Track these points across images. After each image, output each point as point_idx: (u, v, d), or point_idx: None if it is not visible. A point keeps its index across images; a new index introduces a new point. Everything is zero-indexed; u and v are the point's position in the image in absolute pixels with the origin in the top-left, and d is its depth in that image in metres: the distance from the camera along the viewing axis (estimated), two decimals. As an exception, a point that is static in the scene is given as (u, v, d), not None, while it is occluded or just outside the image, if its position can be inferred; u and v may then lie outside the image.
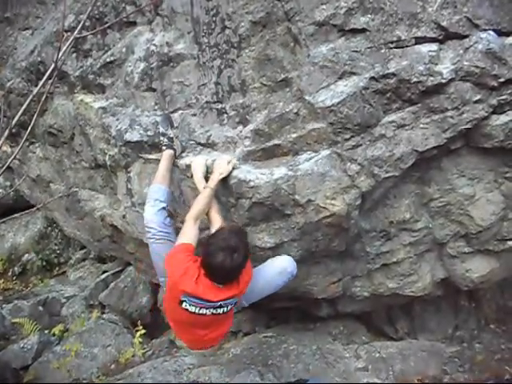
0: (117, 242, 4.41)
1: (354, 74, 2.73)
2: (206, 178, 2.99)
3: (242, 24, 2.91)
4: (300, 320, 4.38)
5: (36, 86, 3.57)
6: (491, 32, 2.58)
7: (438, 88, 2.64)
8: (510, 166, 2.99)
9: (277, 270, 2.95)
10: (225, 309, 2.65)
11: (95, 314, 5.23)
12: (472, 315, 4.23)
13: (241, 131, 3.10)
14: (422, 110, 2.73)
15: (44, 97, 2.41)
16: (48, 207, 5.02)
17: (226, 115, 3.16)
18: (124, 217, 3.80)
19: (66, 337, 4.94)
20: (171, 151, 3.15)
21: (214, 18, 3.01)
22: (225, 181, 2.95)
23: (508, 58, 2.55)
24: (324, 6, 2.71)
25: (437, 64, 2.62)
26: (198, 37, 3.11)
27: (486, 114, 2.69)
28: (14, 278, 6.91)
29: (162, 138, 3.18)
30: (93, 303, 5.61)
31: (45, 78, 2.19)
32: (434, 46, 2.64)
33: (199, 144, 3.22)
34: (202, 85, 3.19)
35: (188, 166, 3.14)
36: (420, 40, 2.64)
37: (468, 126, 2.72)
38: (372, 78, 2.67)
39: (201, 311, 2.58)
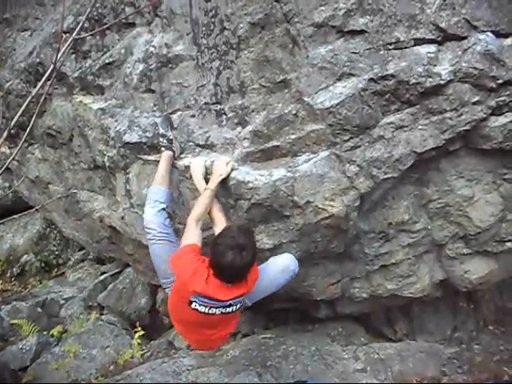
0: (115, 243, 4.40)
1: (352, 75, 2.74)
2: (206, 180, 2.99)
3: (241, 25, 2.92)
4: (299, 321, 4.38)
5: (35, 87, 3.57)
6: (489, 33, 2.58)
7: (436, 89, 2.64)
8: (509, 167, 2.99)
9: (279, 268, 2.94)
10: (234, 307, 2.65)
11: (94, 315, 5.22)
12: (471, 316, 4.24)
13: (240, 132, 3.10)
14: (421, 111, 2.74)
15: (43, 98, 2.41)
16: (47, 208, 5.01)
17: (224, 116, 3.16)
18: (123, 218, 3.80)
19: (64, 338, 4.93)
20: (170, 152, 3.15)
21: (212, 20, 3.02)
22: (224, 182, 2.95)
23: (506, 60, 2.56)
24: (323, 8, 2.71)
25: (435, 65, 2.62)
26: (196, 38, 3.11)
27: (485, 116, 2.70)
28: (13, 279, 6.90)
29: (161, 139, 3.17)
30: (91, 304, 5.61)
31: (44, 79, 2.19)
32: (432, 48, 2.64)
33: (198, 145, 3.22)
34: (201, 86, 3.19)
35: (187, 167, 3.14)
36: (419, 41, 2.65)
37: (466, 128, 2.73)
38: (371, 80, 2.67)
39: (210, 311, 2.58)
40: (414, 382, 3.58)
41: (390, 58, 2.67)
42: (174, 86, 3.27)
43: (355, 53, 2.72)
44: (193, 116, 3.26)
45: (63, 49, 2.22)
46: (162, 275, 3.04)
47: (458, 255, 3.38)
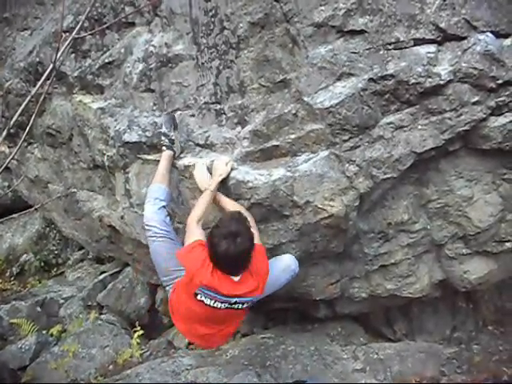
0: (115, 242, 4.40)
1: (352, 75, 2.74)
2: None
3: (241, 25, 2.92)
4: (298, 321, 4.38)
5: (34, 86, 3.57)
6: (489, 34, 2.58)
7: (436, 89, 2.64)
8: (508, 167, 2.99)
9: (281, 268, 2.95)
10: (240, 305, 2.64)
11: (93, 314, 5.22)
12: (470, 316, 4.23)
13: (239, 132, 3.10)
14: (421, 111, 2.74)
15: (42, 97, 2.42)
16: (46, 208, 5.01)
17: (224, 116, 3.16)
18: (122, 217, 3.80)
19: (63, 337, 4.93)
20: (171, 152, 3.15)
21: (212, 19, 3.02)
22: (223, 182, 2.95)
23: (506, 60, 2.56)
24: (323, 8, 2.71)
25: (435, 65, 2.62)
26: (196, 38, 3.11)
27: (484, 116, 2.70)
28: (12, 278, 6.90)
29: (163, 138, 3.15)
30: (91, 304, 5.60)
31: (43, 78, 2.19)
32: (432, 48, 2.64)
33: (197, 145, 3.22)
34: (201, 85, 3.19)
35: (186, 167, 3.14)
36: (418, 41, 2.65)
37: (466, 128, 2.73)
38: (370, 80, 2.68)
39: (215, 304, 2.57)
40: (413, 382, 3.58)
41: (390, 58, 2.67)
42: (173, 86, 3.27)
43: (355, 53, 2.72)
44: (192, 115, 3.26)
45: (63, 48, 2.22)
46: (162, 273, 3.03)
47: (458, 255, 3.38)
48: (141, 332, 4.61)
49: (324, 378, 3.58)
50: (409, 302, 3.80)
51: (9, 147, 4.65)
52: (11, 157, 2.66)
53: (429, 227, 3.29)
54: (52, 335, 4.98)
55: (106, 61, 3.50)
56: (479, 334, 4.15)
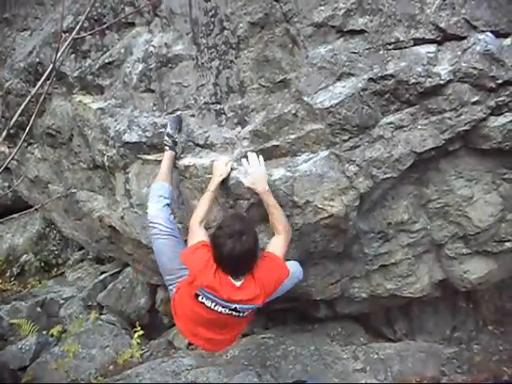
0: (115, 242, 4.40)
1: (352, 75, 2.74)
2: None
3: (241, 25, 2.92)
4: (298, 321, 4.38)
5: (34, 86, 3.57)
6: (489, 33, 2.57)
7: (436, 89, 2.64)
8: (508, 167, 2.99)
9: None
10: (241, 313, 2.60)
11: (93, 314, 5.22)
12: (470, 316, 4.23)
13: (239, 132, 3.10)
14: (420, 111, 2.73)
15: (42, 97, 2.42)
16: (46, 208, 5.01)
17: (224, 116, 3.16)
18: (122, 218, 3.80)
19: (64, 338, 4.94)
20: (173, 152, 3.15)
21: (212, 19, 3.01)
22: (223, 182, 2.95)
23: (506, 60, 2.55)
24: (322, 8, 2.71)
25: (435, 65, 2.62)
26: (196, 38, 3.11)
27: (484, 116, 2.69)
28: (12, 278, 6.91)
29: (166, 139, 3.14)
30: (91, 304, 5.61)
31: (43, 78, 2.19)
32: (432, 48, 2.64)
33: (197, 145, 3.22)
34: (201, 86, 3.19)
35: (187, 167, 3.15)
36: (418, 41, 2.65)
37: (466, 128, 2.73)
38: (370, 80, 2.67)
39: (216, 307, 2.54)
40: (414, 381, 3.58)
41: (390, 58, 2.67)
42: (173, 86, 3.27)
43: (355, 53, 2.72)
44: (192, 116, 3.26)
45: (63, 48, 2.22)
46: (166, 272, 2.99)
47: (458, 255, 3.38)
48: (141, 332, 4.62)
49: (324, 378, 3.58)
50: (409, 301, 3.80)
51: (9, 147, 4.65)
52: (11, 157, 2.66)
53: (429, 227, 3.29)
54: (52, 335, 4.99)
55: (106, 61, 3.50)
56: (479, 333, 4.15)
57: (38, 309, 5.59)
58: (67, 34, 3.06)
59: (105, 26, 3.38)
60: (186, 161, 3.18)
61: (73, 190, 4.25)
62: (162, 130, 3.24)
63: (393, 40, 2.66)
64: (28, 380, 4.31)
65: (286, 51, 2.87)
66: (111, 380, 3.99)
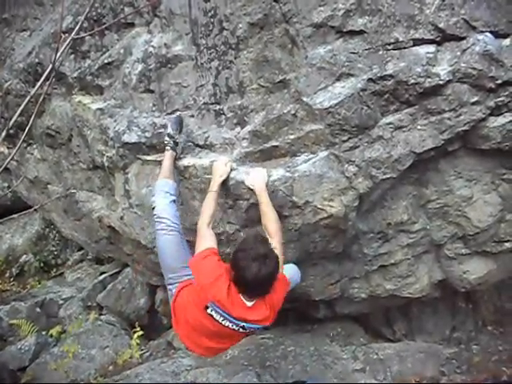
0: (114, 243, 4.40)
1: (351, 75, 2.74)
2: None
3: (240, 25, 2.92)
4: (297, 321, 4.38)
5: (34, 87, 3.57)
6: (488, 34, 2.58)
7: (435, 89, 2.64)
8: (508, 167, 2.99)
9: None
10: (247, 330, 2.58)
11: (93, 315, 5.23)
12: (469, 317, 4.24)
13: (238, 132, 3.10)
14: (420, 111, 2.73)
15: (42, 98, 2.41)
16: (46, 208, 5.01)
17: (223, 116, 3.16)
18: (122, 218, 3.79)
19: (63, 338, 4.94)
20: (174, 152, 3.15)
21: (211, 20, 3.01)
22: (223, 182, 2.95)
23: (505, 60, 2.55)
24: (322, 8, 2.71)
25: (434, 65, 2.62)
26: (195, 38, 3.11)
27: (484, 116, 2.69)
28: (12, 279, 6.92)
29: (167, 139, 3.13)
30: (90, 304, 5.62)
31: (42, 79, 2.19)
32: (431, 48, 2.64)
33: (197, 145, 3.22)
34: (200, 86, 3.19)
35: (186, 168, 3.15)
36: (418, 42, 2.65)
37: (465, 128, 2.73)
38: (370, 80, 2.67)
39: (224, 322, 2.49)
40: (413, 382, 3.59)
41: (389, 59, 2.67)
42: (173, 86, 3.27)
43: (354, 53, 2.72)
44: (192, 116, 3.26)
45: (62, 49, 2.22)
46: (169, 270, 2.90)
47: (457, 255, 3.38)
48: (140, 333, 4.63)
49: (324, 378, 3.59)
50: (408, 302, 3.80)
51: (8, 148, 4.65)
52: (10, 157, 2.66)
53: (428, 227, 3.29)
54: (52, 336, 5.00)
55: (106, 61, 3.50)
56: (479, 334, 4.16)
57: (38, 309, 5.59)
58: (67, 35, 3.07)
59: (104, 26, 3.38)
60: (186, 161, 3.18)
61: (72, 191, 4.24)
62: (162, 130, 3.24)
63: (392, 40, 2.66)
64: (27, 380, 4.31)
65: (285, 52, 2.87)
66: (111, 380, 3.99)
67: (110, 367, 4.45)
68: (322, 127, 2.80)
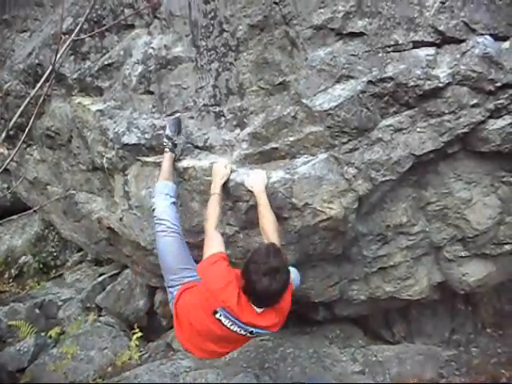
0: (114, 244, 4.40)
1: (351, 77, 2.74)
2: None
3: (240, 27, 2.92)
4: (297, 323, 4.38)
5: (33, 88, 3.56)
6: (488, 37, 2.58)
7: (435, 92, 2.64)
8: (507, 170, 3.00)
9: None
10: (254, 335, 2.57)
11: (92, 316, 5.22)
12: (469, 319, 4.24)
13: (238, 134, 3.10)
14: (419, 113, 2.74)
15: (41, 99, 2.41)
16: (45, 210, 5.00)
17: (223, 118, 3.16)
18: (121, 219, 3.79)
19: (62, 339, 4.93)
20: (173, 154, 3.15)
21: (211, 21, 3.01)
22: (223, 184, 2.95)
23: (504, 63, 2.56)
24: (322, 10, 2.71)
25: (434, 68, 2.62)
26: (195, 40, 3.11)
27: (483, 119, 2.70)
28: (11, 280, 6.90)
29: (166, 141, 3.14)
30: (89, 306, 5.61)
31: (42, 80, 2.19)
32: (431, 50, 2.64)
33: (197, 147, 3.22)
34: (200, 88, 3.19)
35: (185, 169, 3.15)
36: (417, 44, 2.65)
37: (465, 130, 2.73)
38: (369, 82, 2.68)
39: (232, 327, 2.48)
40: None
41: (389, 61, 2.67)
42: (172, 88, 3.27)
43: (354, 55, 2.72)
44: (191, 118, 3.26)
45: (62, 50, 2.22)
46: (170, 271, 2.88)
47: (456, 258, 3.38)
48: (139, 334, 4.62)
49: (323, 379, 3.58)
50: (408, 304, 3.80)
51: (8, 149, 4.64)
52: (10, 158, 2.65)
53: (428, 229, 3.29)
54: (50, 337, 4.99)
55: (106, 63, 3.50)
56: (478, 336, 4.16)
57: (37, 310, 5.58)
58: (67, 36, 3.06)
59: (104, 27, 3.37)
60: (185, 163, 3.18)
61: (72, 192, 4.24)
62: (161, 131, 3.24)
63: (392, 43, 2.66)
64: (26, 381, 4.30)
65: (285, 53, 2.88)
66: (109, 382, 3.98)
67: (109, 368, 4.45)
68: (322, 129, 2.80)
